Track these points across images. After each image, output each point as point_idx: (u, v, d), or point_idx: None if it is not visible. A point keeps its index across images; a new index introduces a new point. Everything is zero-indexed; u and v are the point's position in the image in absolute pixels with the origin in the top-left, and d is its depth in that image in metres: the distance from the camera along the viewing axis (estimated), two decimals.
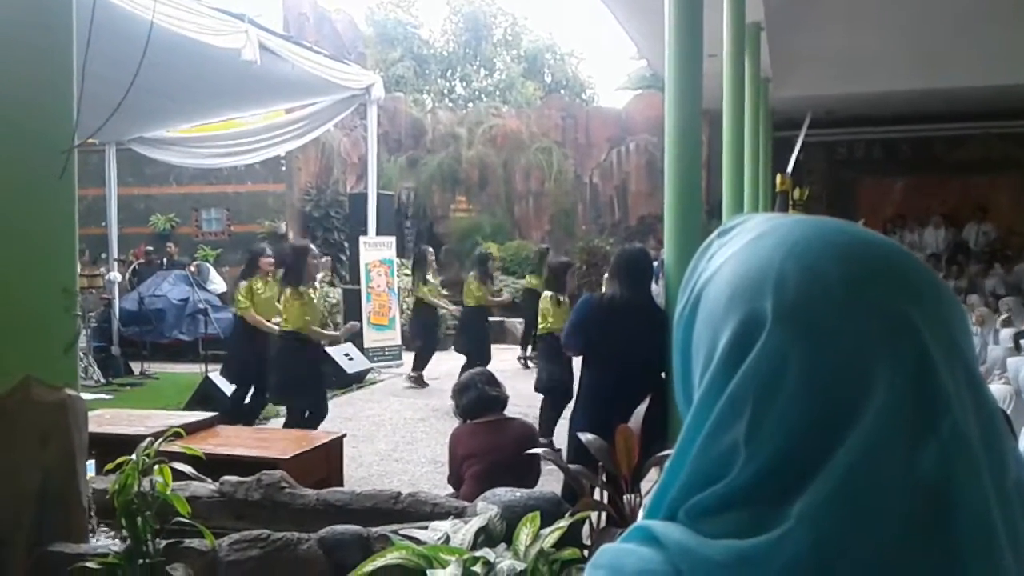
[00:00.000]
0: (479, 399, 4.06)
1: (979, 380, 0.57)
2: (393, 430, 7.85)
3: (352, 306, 11.91)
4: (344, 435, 4.84)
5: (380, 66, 21.37)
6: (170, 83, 8.26)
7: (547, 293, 7.40)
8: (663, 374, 4.13)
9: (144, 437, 2.91)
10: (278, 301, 6.87)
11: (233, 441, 4.36)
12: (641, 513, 0.64)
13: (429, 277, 10.46)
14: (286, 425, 6.48)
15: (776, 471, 0.54)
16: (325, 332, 6.87)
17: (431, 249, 11.53)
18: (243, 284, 7.35)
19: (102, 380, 10.30)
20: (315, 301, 6.64)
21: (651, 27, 9.78)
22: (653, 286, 9.31)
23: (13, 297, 2.70)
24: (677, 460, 0.59)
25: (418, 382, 10.04)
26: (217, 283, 13.72)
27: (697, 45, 5.81)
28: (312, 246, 7.15)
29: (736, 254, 0.61)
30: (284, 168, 15.41)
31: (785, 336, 0.55)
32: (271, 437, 5.01)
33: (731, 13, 8.85)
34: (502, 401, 4.12)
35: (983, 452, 0.54)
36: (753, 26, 10.03)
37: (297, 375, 6.41)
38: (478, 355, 9.62)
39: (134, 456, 2.70)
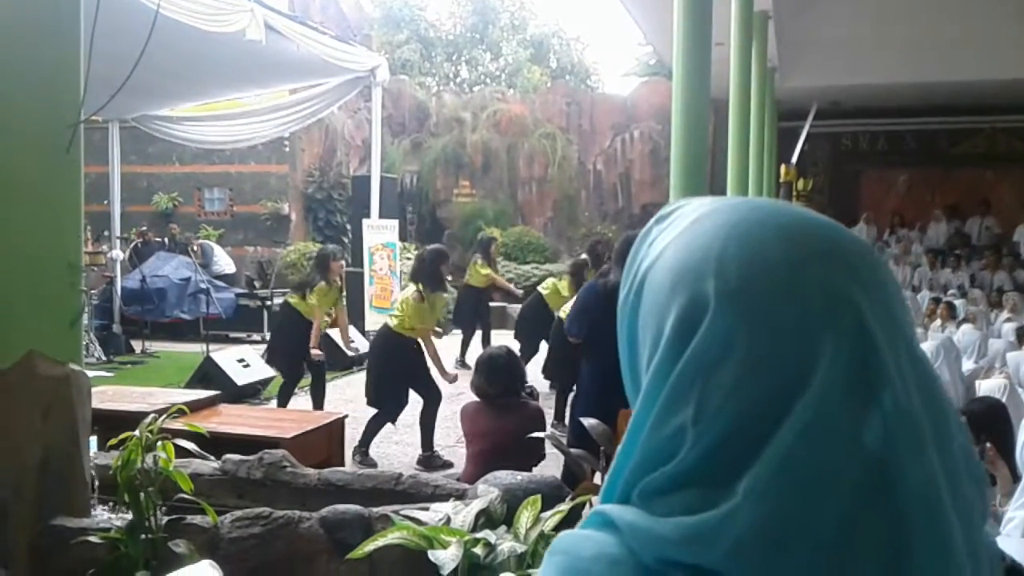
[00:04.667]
0: (491, 380, 4.06)
1: (919, 353, 0.58)
2: None
3: (355, 289, 11.91)
4: (346, 416, 4.85)
5: (385, 48, 21.29)
6: (175, 61, 8.22)
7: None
8: None
9: (147, 414, 2.92)
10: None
11: (235, 420, 4.37)
12: (598, 497, 0.64)
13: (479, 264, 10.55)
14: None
15: (724, 449, 0.54)
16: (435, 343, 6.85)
17: (496, 238, 11.92)
18: (320, 285, 7.32)
19: (103, 357, 10.31)
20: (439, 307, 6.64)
21: (658, 14, 9.75)
22: None
23: (19, 271, 2.70)
24: (628, 443, 0.60)
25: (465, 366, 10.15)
26: (223, 263, 13.72)
27: (706, 33, 5.80)
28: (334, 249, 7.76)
29: (677, 238, 0.61)
30: (287, 149, 15.39)
31: (728, 317, 0.55)
32: (273, 416, 5.03)
33: (739, 2, 8.82)
34: (515, 385, 4.11)
35: (926, 421, 0.55)
36: (761, 14, 10.00)
37: (413, 373, 6.35)
38: (471, 333, 10.01)
39: (137, 432, 2.71)
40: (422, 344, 6.39)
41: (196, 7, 7.30)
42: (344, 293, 7.96)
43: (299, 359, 7.42)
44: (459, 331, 10.21)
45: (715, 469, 0.54)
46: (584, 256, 9.09)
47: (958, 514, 0.54)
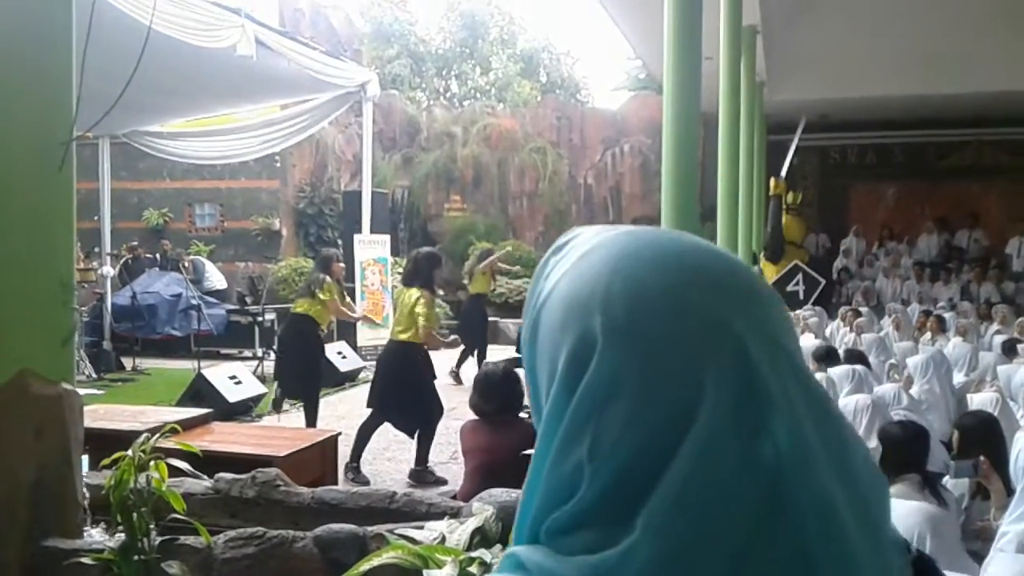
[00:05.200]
0: (487, 397, 4.05)
1: (806, 373, 0.58)
2: (386, 428, 7.72)
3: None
4: (339, 433, 4.83)
5: (376, 63, 21.33)
6: (166, 77, 8.22)
7: None
8: None
9: (139, 433, 2.90)
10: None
11: (228, 438, 4.35)
12: (512, 536, 0.65)
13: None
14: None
15: (621, 484, 0.55)
16: (443, 340, 6.83)
17: (492, 250, 12.20)
18: (328, 282, 7.32)
19: (93, 375, 10.25)
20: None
21: (647, 28, 9.81)
22: None
23: (11, 290, 2.68)
24: (532, 482, 0.60)
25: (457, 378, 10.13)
26: (215, 279, 13.69)
27: (695, 48, 5.83)
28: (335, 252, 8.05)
29: (567, 273, 0.62)
30: (278, 164, 15.39)
31: (615, 353, 0.56)
32: (266, 434, 5.00)
33: (727, 17, 8.87)
34: (513, 402, 4.09)
35: (818, 442, 0.55)
36: (749, 29, 10.06)
37: (422, 383, 6.32)
38: (474, 346, 10.08)
39: (130, 452, 2.69)
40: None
41: (187, 23, 7.32)
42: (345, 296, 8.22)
43: (314, 373, 7.38)
44: (463, 343, 10.25)
45: (614, 505, 0.55)
46: None
47: (861, 523, 0.55)
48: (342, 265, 8.04)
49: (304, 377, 7.30)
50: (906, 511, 3.07)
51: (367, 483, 5.85)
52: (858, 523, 0.55)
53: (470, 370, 9.54)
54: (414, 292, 6.30)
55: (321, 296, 7.22)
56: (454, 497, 3.89)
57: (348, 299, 8.06)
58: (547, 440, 0.59)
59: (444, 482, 6.16)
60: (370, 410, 6.40)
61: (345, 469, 6.11)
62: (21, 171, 2.74)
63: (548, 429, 0.59)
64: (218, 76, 8.93)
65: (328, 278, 7.31)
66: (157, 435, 2.74)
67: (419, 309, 6.22)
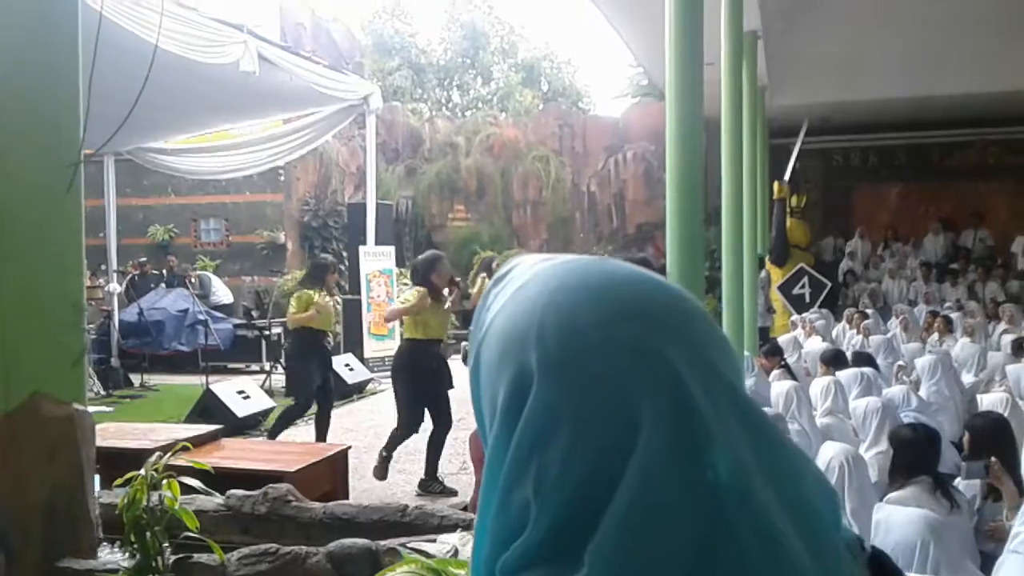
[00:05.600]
0: None
1: (743, 398, 0.58)
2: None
3: (352, 316, 11.91)
4: (349, 447, 4.83)
5: (377, 75, 21.41)
6: (169, 94, 8.25)
7: None
8: None
9: (149, 451, 2.92)
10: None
11: (238, 454, 4.36)
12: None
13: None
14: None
15: (567, 520, 0.55)
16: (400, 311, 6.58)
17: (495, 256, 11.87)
18: (306, 293, 7.16)
19: (102, 392, 10.28)
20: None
21: (648, 35, 9.82)
22: (760, 301, 9.42)
23: (22, 312, 2.70)
24: (481, 519, 0.61)
25: None
26: (221, 294, 13.72)
27: (697, 53, 5.84)
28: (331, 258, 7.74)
29: (504, 307, 0.62)
30: (282, 178, 15.43)
31: (551, 388, 0.56)
32: (276, 449, 5.00)
33: (728, 22, 8.88)
34: None
35: (756, 463, 0.56)
36: (750, 34, 10.06)
37: (437, 387, 6.27)
38: None
39: (143, 471, 2.70)
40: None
41: (191, 40, 7.36)
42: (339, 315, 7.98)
43: (310, 383, 7.22)
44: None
45: (561, 541, 0.55)
46: None
47: (806, 538, 0.55)
48: (337, 276, 7.84)
49: (303, 386, 7.28)
50: (906, 519, 3.06)
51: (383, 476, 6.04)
52: (803, 538, 0.55)
53: None
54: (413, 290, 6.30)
55: (292, 306, 7.15)
56: (464, 508, 3.89)
57: (325, 301, 7.17)
58: (492, 479, 0.59)
59: (454, 493, 6.14)
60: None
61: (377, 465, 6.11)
62: (30, 194, 2.76)
63: (492, 467, 0.59)
64: (221, 92, 8.97)
65: (308, 291, 7.16)
66: (168, 454, 2.74)
67: (407, 294, 6.25)
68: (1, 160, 2.88)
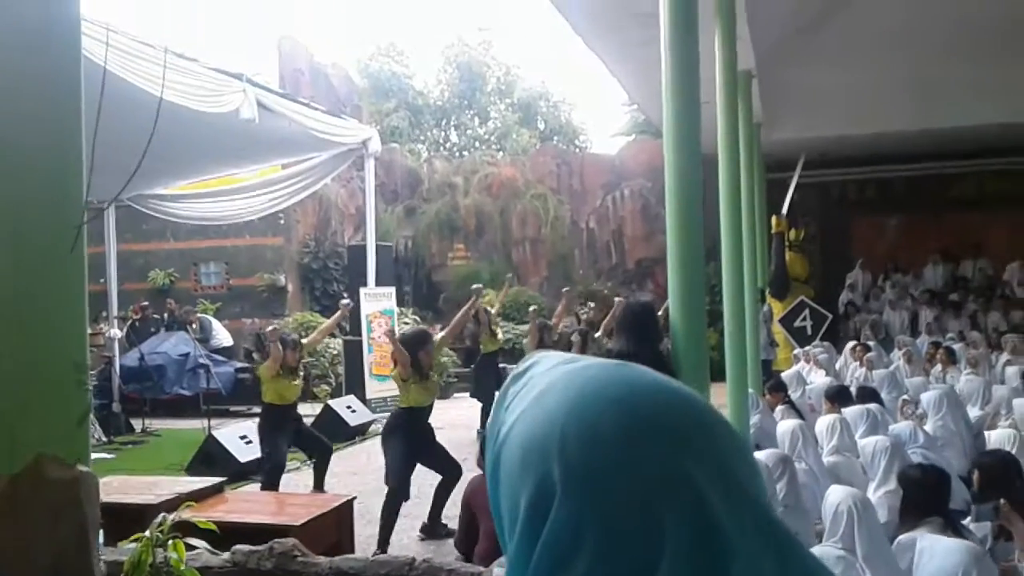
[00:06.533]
0: None
1: (764, 512, 0.58)
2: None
3: (353, 357, 11.89)
4: (354, 497, 4.80)
5: (375, 117, 21.58)
6: (169, 142, 8.26)
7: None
8: None
9: (153, 506, 2.89)
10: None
11: (243, 507, 4.32)
12: None
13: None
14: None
15: None
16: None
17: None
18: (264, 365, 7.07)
19: (103, 439, 10.23)
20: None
21: (643, 76, 9.91)
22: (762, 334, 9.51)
23: (25, 375, 2.69)
24: None
25: None
26: (221, 337, 13.71)
27: (694, 95, 5.88)
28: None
29: (524, 413, 0.62)
30: (282, 221, 15.49)
31: (574, 503, 0.56)
32: (280, 502, 4.96)
33: (722, 62, 8.96)
34: None
35: None
36: (744, 74, 10.15)
37: (424, 450, 6.27)
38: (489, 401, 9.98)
39: (148, 532, 2.67)
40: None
41: (191, 89, 7.43)
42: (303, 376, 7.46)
43: (276, 444, 6.94)
44: (481, 402, 10.10)
45: None
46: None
47: None
48: (288, 353, 7.02)
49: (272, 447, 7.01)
50: (947, 549, 3.05)
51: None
52: None
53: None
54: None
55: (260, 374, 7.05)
56: (468, 554, 3.84)
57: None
58: None
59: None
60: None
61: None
62: (33, 256, 2.76)
63: (512, 574, 0.59)
64: (221, 139, 9.04)
65: (262, 367, 7.01)
66: (173, 515, 2.72)
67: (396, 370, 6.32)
68: (3, 224, 2.89)
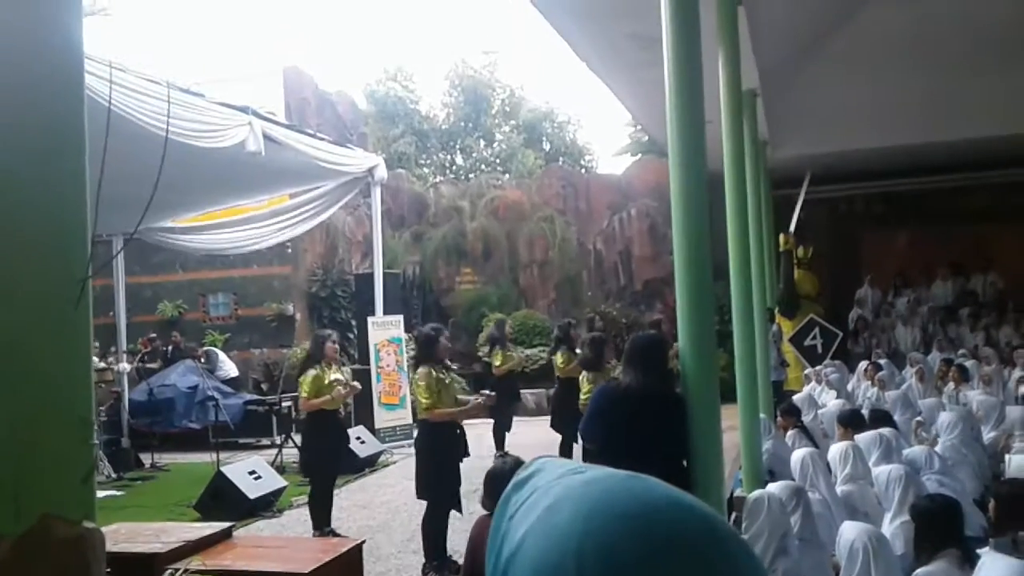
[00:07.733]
0: (493, 495, 3.96)
1: None
2: (410, 517, 7.63)
3: (362, 386, 11.84)
4: (363, 542, 4.74)
5: (381, 143, 21.66)
6: (177, 176, 8.27)
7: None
8: (684, 463, 4.06)
9: (161, 555, 2.86)
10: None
11: (251, 553, 4.27)
12: None
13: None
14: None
15: None
16: (455, 410, 6.37)
17: (505, 319, 12.08)
18: (310, 374, 7.12)
19: (112, 475, 10.21)
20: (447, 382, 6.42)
21: (647, 98, 9.91)
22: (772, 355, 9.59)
23: (30, 432, 2.67)
24: None
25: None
26: (227, 368, 13.70)
27: (698, 116, 5.86)
28: (329, 331, 7.81)
29: (535, 527, 0.61)
30: (290, 251, 15.52)
31: None
32: (289, 547, 4.91)
33: (726, 82, 8.95)
34: None
35: None
36: (749, 93, 10.14)
37: (444, 460, 6.19)
38: (506, 424, 10.06)
39: None
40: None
41: (197, 126, 7.46)
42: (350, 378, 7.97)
43: (329, 466, 7.20)
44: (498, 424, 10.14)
45: None
46: (598, 333, 9.35)
47: None
48: (335, 346, 7.55)
49: (321, 470, 7.21)
50: (1007, 570, 3.02)
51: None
52: None
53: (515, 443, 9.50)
54: (417, 374, 6.33)
55: (303, 388, 7.11)
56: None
57: (339, 377, 7.36)
58: None
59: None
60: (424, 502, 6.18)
61: (424, 570, 6.02)
62: (37, 313, 2.74)
63: None
64: (228, 172, 9.07)
65: (313, 370, 7.13)
66: (181, 571, 2.69)
67: (417, 392, 6.27)
68: (6, 277, 2.88)
